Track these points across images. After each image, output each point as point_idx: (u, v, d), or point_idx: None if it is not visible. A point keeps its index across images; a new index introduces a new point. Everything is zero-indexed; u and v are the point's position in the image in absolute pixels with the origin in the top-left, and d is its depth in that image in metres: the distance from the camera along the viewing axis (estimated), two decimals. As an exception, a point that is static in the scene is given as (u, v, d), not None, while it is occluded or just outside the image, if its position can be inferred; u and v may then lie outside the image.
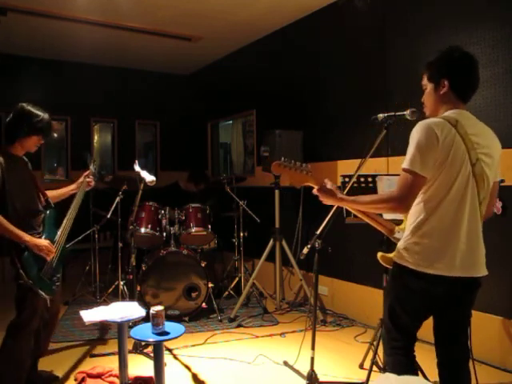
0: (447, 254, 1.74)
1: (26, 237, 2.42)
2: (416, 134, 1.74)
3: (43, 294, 2.46)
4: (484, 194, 1.78)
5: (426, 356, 2.26)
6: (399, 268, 1.85)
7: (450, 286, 1.76)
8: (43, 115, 2.59)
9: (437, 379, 1.92)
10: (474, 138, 1.76)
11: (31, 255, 2.45)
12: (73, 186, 2.91)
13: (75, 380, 2.89)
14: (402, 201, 1.72)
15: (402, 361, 1.88)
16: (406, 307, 1.86)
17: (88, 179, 2.92)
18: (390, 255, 1.97)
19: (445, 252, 1.74)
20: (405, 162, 1.75)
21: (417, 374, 1.97)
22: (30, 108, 2.57)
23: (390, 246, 2.10)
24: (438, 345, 1.93)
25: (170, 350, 3.42)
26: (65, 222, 2.70)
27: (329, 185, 1.96)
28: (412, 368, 1.90)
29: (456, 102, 1.83)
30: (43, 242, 2.50)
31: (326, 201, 1.96)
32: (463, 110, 1.83)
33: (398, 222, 2.07)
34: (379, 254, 2.09)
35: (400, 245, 1.87)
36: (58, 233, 2.66)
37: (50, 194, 2.81)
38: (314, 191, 1.99)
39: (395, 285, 1.91)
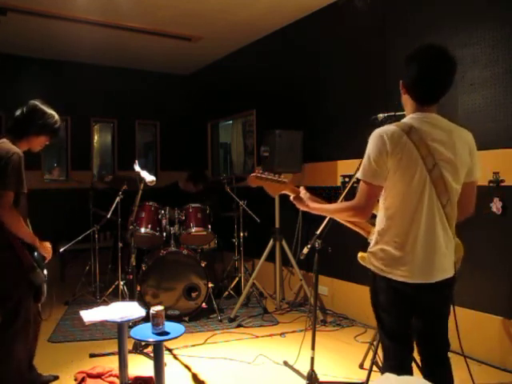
0: (407, 262, 1.73)
1: (36, 238, 2.46)
2: (368, 144, 1.75)
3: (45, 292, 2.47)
4: (448, 196, 1.74)
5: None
6: (370, 271, 1.86)
7: (416, 290, 1.75)
8: (55, 116, 2.57)
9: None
10: (434, 143, 1.71)
11: (39, 255, 2.49)
12: None
13: (75, 380, 2.89)
14: (360, 209, 1.77)
15: (396, 371, 1.87)
16: (384, 307, 1.85)
17: None
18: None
19: (404, 259, 1.74)
20: (359, 172, 1.77)
21: None
22: (43, 107, 2.54)
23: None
24: (416, 344, 1.92)
25: (170, 350, 3.42)
26: None
27: (302, 193, 2.08)
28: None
29: (416, 106, 1.78)
30: (48, 243, 2.57)
31: (301, 207, 2.09)
32: (427, 114, 1.76)
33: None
34: (359, 255, 2.10)
35: (368, 249, 1.88)
36: None
37: None
38: (291, 199, 2.13)
39: (371, 288, 1.91)
